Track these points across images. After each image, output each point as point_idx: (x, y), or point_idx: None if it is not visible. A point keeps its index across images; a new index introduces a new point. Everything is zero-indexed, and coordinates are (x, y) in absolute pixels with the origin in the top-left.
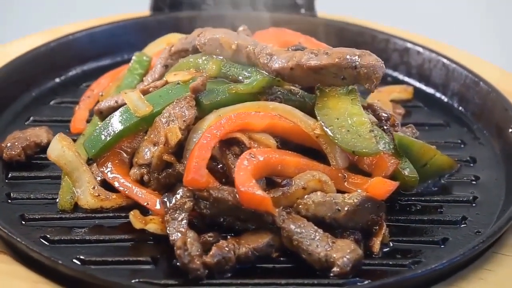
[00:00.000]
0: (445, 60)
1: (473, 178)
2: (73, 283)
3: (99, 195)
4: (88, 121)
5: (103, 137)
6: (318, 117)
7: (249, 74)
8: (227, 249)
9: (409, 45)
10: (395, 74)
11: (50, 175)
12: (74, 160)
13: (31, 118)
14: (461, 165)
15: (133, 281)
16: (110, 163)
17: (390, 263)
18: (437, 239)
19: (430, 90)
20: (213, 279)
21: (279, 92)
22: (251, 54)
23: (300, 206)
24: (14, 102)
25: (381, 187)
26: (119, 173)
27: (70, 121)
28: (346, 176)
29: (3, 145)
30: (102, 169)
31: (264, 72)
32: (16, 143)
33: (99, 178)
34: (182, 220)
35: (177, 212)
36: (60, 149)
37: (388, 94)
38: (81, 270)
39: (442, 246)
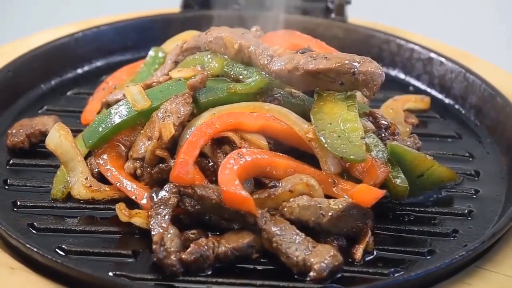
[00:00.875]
0: (465, 72)
1: (473, 192)
2: (48, 272)
3: (90, 186)
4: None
5: (100, 129)
6: (312, 121)
7: (250, 75)
8: (206, 247)
9: (432, 55)
10: (418, 83)
11: (51, 164)
12: (70, 150)
13: (45, 107)
14: (464, 178)
15: (110, 273)
16: (106, 155)
17: (370, 271)
18: (423, 250)
19: (449, 102)
20: (190, 276)
21: (278, 94)
22: (253, 54)
23: (285, 209)
24: (31, 90)
25: (366, 194)
26: (113, 165)
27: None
28: (336, 182)
29: (9, 131)
30: (98, 161)
31: (264, 73)
32: (21, 130)
33: (96, 170)
34: (165, 215)
35: (161, 207)
36: (57, 139)
37: (403, 103)
38: (52, 258)
39: (428, 258)
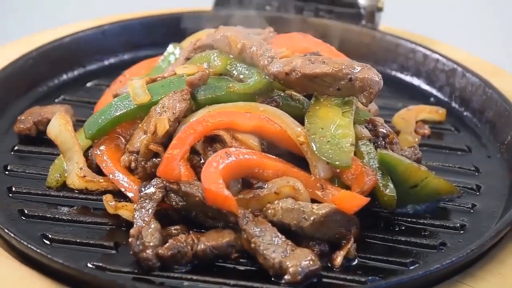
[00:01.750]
0: (485, 86)
1: (470, 206)
2: (27, 259)
3: (84, 176)
4: None
5: (100, 120)
6: (305, 125)
7: (251, 75)
8: (184, 243)
9: (455, 66)
10: (439, 95)
11: (53, 153)
12: (68, 139)
13: (62, 97)
14: (465, 192)
15: (88, 264)
16: (104, 146)
17: (348, 278)
18: (406, 260)
19: (467, 115)
20: (167, 271)
21: (277, 96)
22: (254, 55)
23: (268, 211)
24: (52, 79)
25: (349, 200)
26: (110, 157)
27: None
28: (324, 187)
29: (18, 118)
30: (95, 152)
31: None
32: (29, 118)
33: (96, 161)
34: (149, 209)
35: (146, 201)
36: (57, 128)
37: (417, 113)
38: (28, 245)
39: (409, 268)
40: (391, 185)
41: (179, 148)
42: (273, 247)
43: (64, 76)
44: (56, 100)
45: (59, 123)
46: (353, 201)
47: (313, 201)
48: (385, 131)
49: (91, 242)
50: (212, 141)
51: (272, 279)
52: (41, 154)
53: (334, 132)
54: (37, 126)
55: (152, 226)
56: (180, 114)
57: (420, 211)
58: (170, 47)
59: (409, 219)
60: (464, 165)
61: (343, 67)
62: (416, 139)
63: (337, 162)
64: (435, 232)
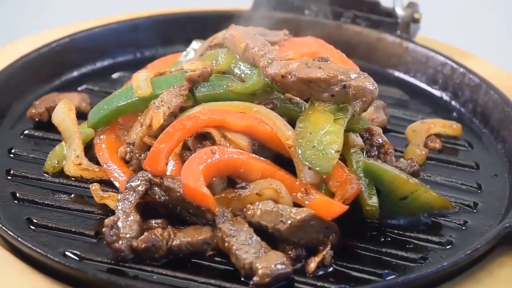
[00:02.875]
0: (504, 103)
1: (461, 223)
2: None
3: (80, 164)
4: None
5: (102, 110)
6: (295, 128)
7: (252, 75)
8: (160, 237)
9: (480, 82)
10: (463, 109)
11: (60, 139)
12: (70, 127)
13: (84, 86)
14: (460, 209)
15: (66, 251)
16: (105, 136)
17: (318, 284)
18: (381, 272)
19: (485, 132)
20: (141, 264)
21: (276, 98)
22: (256, 55)
23: (248, 212)
24: (79, 68)
25: (326, 207)
26: (108, 147)
27: None
28: (308, 192)
29: (34, 103)
30: (95, 141)
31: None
32: (43, 103)
33: None
34: (131, 201)
35: (130, 193)
36: (61, 114)
37: (430, 127)
38: (2, 227)
39: (384, 279)
40: (375, 196)
41: (165, 142)
42: (246, 247)
43: (92, 66)
44: (79, 89)
45: (62, 110)
46: (330, 207)
47: (298, 205)
48: (380, 141)
49: (73, 229)
50: (203, 138)
51: (242, 279)
52: (48, 140)
53: (321, 137)
54: (49, 112)
55: (131, 218)
56: (175, 109)
57: (410, 224)
58: (194, 44)
59: (396, 231)
60: (467, 182)
61: (338, 73)
62: (423, 152)
63: (317, 168)
64: (420, 246)
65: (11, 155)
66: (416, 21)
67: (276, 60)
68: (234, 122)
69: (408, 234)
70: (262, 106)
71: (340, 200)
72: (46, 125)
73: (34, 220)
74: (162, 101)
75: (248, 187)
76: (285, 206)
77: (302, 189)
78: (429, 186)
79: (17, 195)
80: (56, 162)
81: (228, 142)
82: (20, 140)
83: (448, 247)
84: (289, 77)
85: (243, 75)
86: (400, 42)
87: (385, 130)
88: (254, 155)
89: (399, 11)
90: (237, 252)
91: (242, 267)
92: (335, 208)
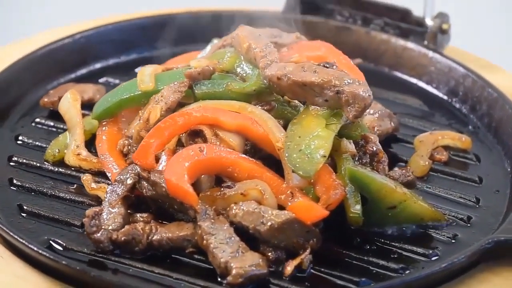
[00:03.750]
0: None
1: (451, 236)
2: None
3: (78, 154)
4: None
5: (106, 102)
6: (287, 131)
7: (252, 76)
8: (140, 231)
9: (497, 96)
10: (479, 123)
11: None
12: (74, 117)
13: (105, 78)
14: (454, 222)
15: (50, 239)
16: (107, 128)
17: (296, 287)
18: (358, 279)
19: (497, 147)
20: (120, 257)
21: (274, 99)
22: (257, 56)
23: (231, 212)
24: (104, 60)
25: (305, 211)
26: (108, 139)
27: None
28: (294, 195)
29: (49, 91)
30: (98, 132)
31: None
32: (57, 92)
33: None
34: (118, 193)
35: (118, 185)
36: (67, 104)
37: (438, 138)
38: None
39: (359, 287)
40: (359, 203)
41: (155, 137)
42: (224, 246)
43: (117, 59)
44: (100, 80)
45: (68, 100)
46: (310, 212)
47: (283, 208)
48: (374, 149)
49: (61, 218)
50: (196, 135)
51: (219, 279)
52: (58, 129)
53: (309, 141)
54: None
55: (116, 210)
56: (173, 104)
57: (399, 234)
58: (214, 42)
59: (383, 240)
60: (466, 195)
61: (333, 78)
62: (427, 163)
63: (300, 171)
64: (405, 256)
65: (18, 142)
66: (444, 32)
67: (276, 62)
68: (226, 121)
69: (395, 243)
70: (257, 107)
71: (324, 205)
72: (59, 114)
73: (25, 207)
74: (162, 96)
75: (233, 186)
76: (267, 208)
77: (288, 192)
78: (423, 197)
79: (14, 181)
80: (57, 151)
81: (219, 140)
82: (29, 128)
83: (433, 258)
84: (285, 79)
85: (244, 75)
86: (426, 52)
87: (395, 140)
88: (243, 155)
89: (429, 21)
90: (214, 250)
91: (218, 265)
92: (315, 212)
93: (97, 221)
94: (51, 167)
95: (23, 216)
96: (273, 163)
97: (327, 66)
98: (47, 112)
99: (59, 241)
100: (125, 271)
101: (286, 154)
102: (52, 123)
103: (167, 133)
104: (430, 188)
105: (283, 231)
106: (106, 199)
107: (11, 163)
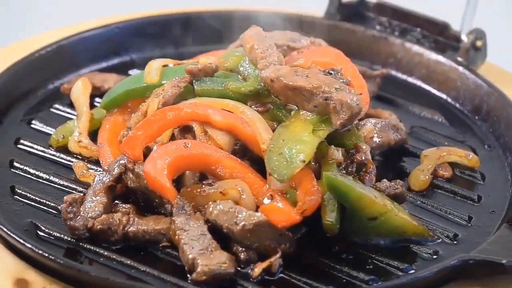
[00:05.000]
0: None
1: (431, 253)
2: None
3: (80, 142)
4: None
5: (113, 92)
6: (273, 134)
7: (252, 76)
8: (117, 221)
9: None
10: (496, 143)
11: None
12: (82, 104)
13: (135, 70)
14: (440, 239)
15: (31, 222)
16: (112, 117)
17: None
18: (325, 287)
19: (506, 170)
20: (94, 245)
21: (271, 102)
22: (257, 57)
23: (208, 209)
24: (140, 52)
25: (275, 214)
26: (110, 129)
27: None
28: (273, 197)
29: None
30: (103, 121)
31: None
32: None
33: None
34: (104, 182)
35: (106, 174)
36: (77, 91)
37: (443, 154)
38: None
39: None
40: (334, 212)
41: (143, 129)
42: (194, 243)
43: (153, 53)
44: (129, 71)
45: (79, 88)
46: (281, 215)
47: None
48: (363, 159)
49: (48, 203)
50: (187, 131)
51: (188, 275)
52: (72, 115)
53: (291, 145)
54: None
55: (98, 198)
56: (169, 99)
57: (381, 245)
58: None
59: (362, 250)
60: (459, 213)
61: (323, 84)
62: (427, 177)
63: (275, 174)
64: (380, 268)
65: (31, 126)
66: (477, 48)
67: (274, 64)
68: (216, 119)
69: (373, 255)
70: (250, 107)
71: (299, 210)
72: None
73: (17, 189)
74: (163, 90)
75: (214, 184)
76: (242, 209)
77: (268, 194)
78: (415, 212)
79: (14, 163)
80: (61, 136)
81: (207, 138)
82: (46, 113)
83: (409, 272)
84: (277, 82)
85: (246, 75)
86: (456, 68)
87: (406, 152)
88: (228, 154)
89: (464, 37)
90: (184, 246)
91: (186, 261)
92: (285, 217)
93: (75, 208)
94: (53, 152)
95: (12, 198)
96: (263, 164)
97: (331, 72)
98: (69, 99)
99: (40, 225)
100: (96, 259)
101: (267, 156)
102: (69, 110)
103: (156, 127)
104: (425, 203)
105: (255, 232)
106: (91, 187)
107: (18, 146)
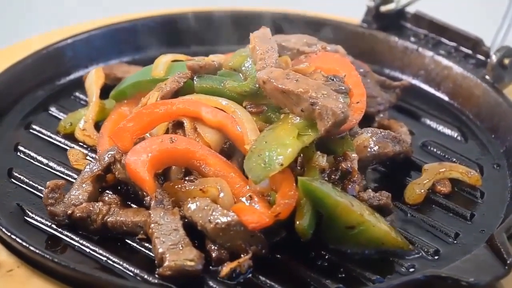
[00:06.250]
0: None
1: (406, 267)
2: None
3: (84, 130)
4: None
5: (122, 84)
6: (259, 135)
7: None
8: (97, 210)
9: None
10: (505, 163)
11: None
12: (92, 94)
13: None
14: (420, 253)
15: (18, 204)
16: (120, 109)
17: None
18: None
19: (507, 191)
20: (74, 233)
21: (266, 103)
22: (257, 58)
23: (186, 206)
24: (175, 48)
25: (245, 215)
26: (115, 119)
27: None
28: (252, 198)
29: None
30: (111, 112)
31: None
32: (104, 69)
33: None
34: (93, 170)
35: (96, 163)
36: (90, 80)
37: (441, 170)
38: None
39: None
40: (307, 217)
41: (134, 121)
42: (166, 238)
43: (187, 49)
44: None
45: (92, 77)
46: (251, 217)
47: None
48: (348, 167)
49: (40, 187)
50: (180, 126)
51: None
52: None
53: (273, 148)
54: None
55: (84, 186)
56: (167, 93)
57: (359, 255)
58: None
59: (337, 258)
60: (447, 230)
61: (311, 89)
62: (422, 191)
63: (250, 175)
64: (351, 278)
65: (49, 112)
66: (505, 66)
67: (270, 66)
68: (207, 117)
69: (348, 264)
70: (242, 107)
71: (272, 213)
72: (103, 91)
73: (14, 172)
74: (165, 84)
75: (195, 181)
76: (218, 207)
77: (248, 195)
78: (403, 225)
79: (19, 146)
80: (69, 123)
81: (196, 135)
82: (66, 100)
83: (377, 284)
84: (268, 84)
85: (248, 75)
86: (480, 84)
87: (413, 166)
88: (214, 152)
89: (492, 54)
90: (156, 240)
91: (156, 255)
92: (257, 218)
93: (57, 194)
94: (59, 139)
95: (8, 179)
96: None
97: (333, 78)
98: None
99: (26, 208)
100: (72, 246)
101: (247, 157)
102: (85, 97)
103: (147, 119)
104: (415, 216)
105: (227, 232)
106: (80, 175)
107: (29, 130)
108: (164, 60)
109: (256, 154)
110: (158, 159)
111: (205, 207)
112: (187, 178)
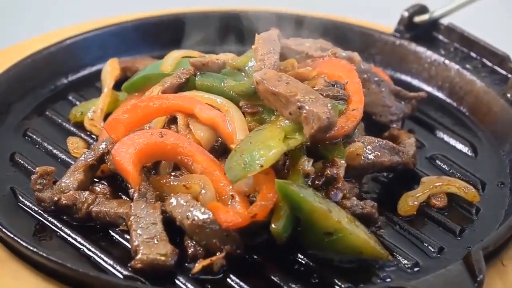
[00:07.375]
0: None
1: (384, 277)
2: None
3: (92, 119)
4: None
5: (134, 76)
6: (246, 136)
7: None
8: (83, 199)
9: None
10: (508, 183)
11: None
12: (105, 85)
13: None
14: (399, 264)
15: (12, 188)
16: (131, 101)
17: (188, 285)
18: None
19: (503, 211)
20: (58, 219)
21: (262, 104)
22: (257, 58)
23: (167, 201)
24: (199, 47)
25: (219, 213)
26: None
27: None
28: (233, 197)
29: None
30: (122, 104)
31: None
32: (123, 63)
33: None
34: (87, 159)
35: (90, 153)
36: (105, 71)
37: (437, 184)
38: None
39: None
40: (282, 220)
41: (128, 113)
42: (143, 231)
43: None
44: None
45: (107, 69)
46: (226, 216)
47: None
48: (333, 174)
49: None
50: (174, 121)
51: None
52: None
53: (256, 149)
54: (124, 72)
55: (76, 175)
56: (168, 88)
57: (336, 262)
58: None
59: (315, 264)
60: (433, 244)
61: (299, 93)
62: (415, 203)
63: (227, 174)
64: (323, 284)
65: (70, 99)
66: None
67: (268, 68)
68: (200, 113)
69: (324, 270)
70: (236, 107)
71: (249, 213)
72: (120, 84)
73: (16, 157)
74: (168, 79)
75: (180, 177)
76: (198, 205)
77: (230, 193)
78: (389, 236)
79: (28, 132)
80: (80, 112)
81: (188, 131)
82: (87, 90)
83: None
84: (260, 85)
85: (249, 75)
86: (499, 100)
87: (412, 177)
88: (202, 149)
89: None
90: (133, 232)
91: (132, 248)
92: (231, 218)
93: (45, 180)
94: (68, 127)
95: (9, 164)
96: None
97: (334, 84)
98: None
99: (18, 193)
100: (54, 233)
101: (229, 156)
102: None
103: (141, 112)
104: (403, 228)
105: (203, 229)
106: (74, 163)
107: (40, 116)
108: (174, 56)
109: (238, 153)
110: (145, 152)
111: (185, 203)
112: (173, 173)
